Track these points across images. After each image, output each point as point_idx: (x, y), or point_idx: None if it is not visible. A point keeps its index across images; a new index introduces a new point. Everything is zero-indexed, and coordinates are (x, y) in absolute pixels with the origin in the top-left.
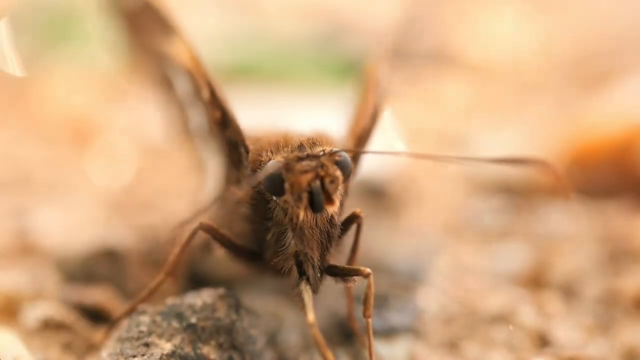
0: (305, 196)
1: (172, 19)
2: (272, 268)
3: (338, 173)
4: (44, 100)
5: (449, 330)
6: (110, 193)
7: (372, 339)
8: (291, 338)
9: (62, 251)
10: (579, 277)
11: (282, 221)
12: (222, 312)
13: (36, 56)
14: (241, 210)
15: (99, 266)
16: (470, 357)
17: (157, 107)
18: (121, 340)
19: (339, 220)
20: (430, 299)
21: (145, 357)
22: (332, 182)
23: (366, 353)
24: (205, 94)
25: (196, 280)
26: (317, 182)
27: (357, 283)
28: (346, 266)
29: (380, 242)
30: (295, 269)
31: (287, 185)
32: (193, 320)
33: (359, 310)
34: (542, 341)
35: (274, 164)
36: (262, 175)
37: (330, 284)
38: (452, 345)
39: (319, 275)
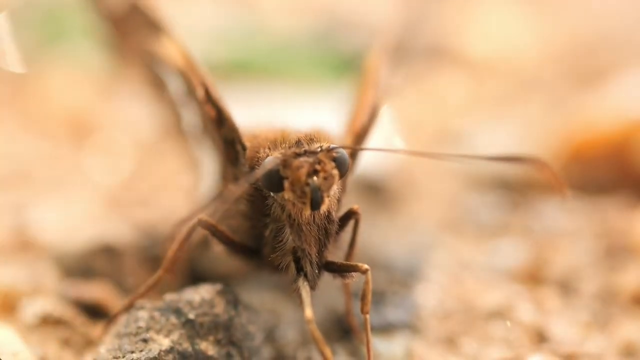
0: (308, 191)
1: (162, 19)
2: (270, 264)
3: (335, 169)
4: (41, 97)
5: (447, 326)
6: (108, 189)
7: (370, 335)
8: (289, 334)
9: (61, 247)
10: (576, 273)
11: (279, 217)
12: (220, 308)
13: (34, 53)
14: (239, 206)
15: (97, 262)
16: (468, 353)
17: (150, 108)
18: (119, 336)
19: (336, 216)
20: (428, 295)
21: (143, 352)
22: (326, 178)
23: (364, 349)
24: (200, 92)
25: (194, 276)
26: (316, 179)
27: (355, 279)
28: (344, 262)
29: (378, 238)
30: (293, 265)
31: (286, 183)
32: (191, 316)
33: (356, 307)
34: (540, 337)
35: (271, 160)
36: (259, 171)
37: (328, 280)
38: (450, 341)
39: (316, 271)
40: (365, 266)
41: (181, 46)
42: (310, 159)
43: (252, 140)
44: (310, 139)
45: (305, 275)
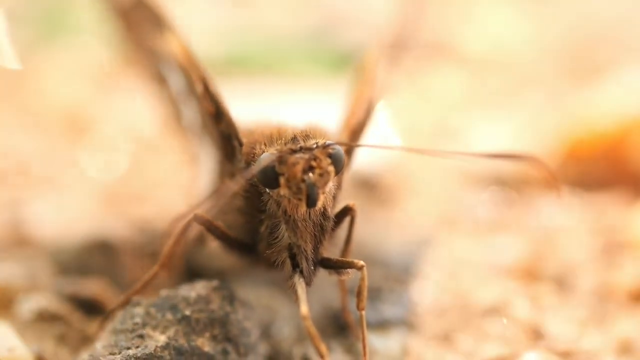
0: (303, 187)
1: (165, 14)
2: (265, 260)
3: (331, 166)
4: (38, 92)
5: (443, 323)
6: (104, 185)
7: (366, 331)
8: (285, 330)
9: (57, 243)
10: (572, 269)
11: (275, 214)
12: (216, 304)
13: (30, 48)
14: (235, 202)
15: (94, 258)
16: (464, 349)
17: (151, 102)
18: (115, 332)
19: (332, 212)
20: (424, 292)
21: (139, 348)
22: (321, 175)
23: (360, 345)
24: (199, 88)
25: (190, 273)
26: (312, 175)
27: (351, 276)
28: (340, 259)
29: (374, 234)
30: (288, 261)
31: (282, 179)
32: (187, 312)
33: (352, 303)
34: (536, 334)
35: (267, 156)
36: (255, 168)
37: (323, 277)
38: (446, 338)
39: (312, 267)
40: (361, 262)
41: (182, 42)
42: (306, 156)
43: (248, 136)
44: (306, 136)
45: (301, 272)
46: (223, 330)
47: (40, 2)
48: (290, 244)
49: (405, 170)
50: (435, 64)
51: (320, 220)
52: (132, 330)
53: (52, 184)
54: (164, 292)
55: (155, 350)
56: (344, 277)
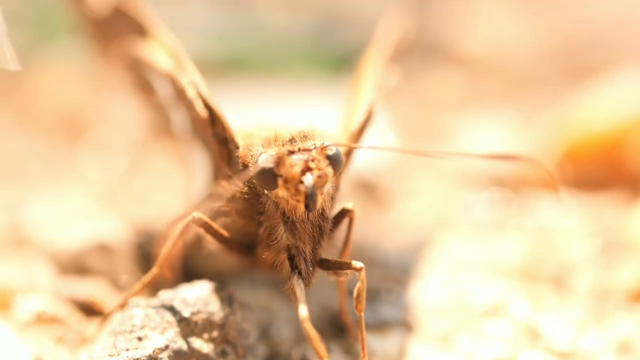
0: (302, 189)
1: (147, 20)
2: (264, 262)
3: (329, 167)
4: (36, 94)
5: (441, 324)
6: (102, 186)
7: (365, 332)
8: (284, 332)
9: (55, 244)
10: (571, 270)
11: (273, 215)
12: (215, 305)
13: (28, 50)
14: (233, 204)
15: (92, 259)
16: (463, 350)
17: (138, 112)
18: (114, 333)
19: (330, 214)
20: (423, 293)
21: (138, 350)
22: (320, 176)
23: (358, 347)
24: (190, 92)
25: (189, 274)
26: (310, 177)
27: (350, 277)
28: (338, 260)
29: (372, 235)
30: (287, 262)
31: (280, 180)
32: (186, 313)
33: (351, 304)
34: (535, 334)
35: (265, 157)
36: (253, 169)
37: (322, 278)
38: (445, 339)
39: (311, 269)
40: (360, 264)
41: (170, 46)
42: (304, 157)
43: (245, 138)
44: (304, 137)
45: (300, 273)
46: (222, 331)
47: (38, 3)
48: (288, 245)
49: (404, 172)
50: (433, 65)
51: (318, 221)
52: (131, 332)
53: (50, 185)
54: (162, 294)
55: (154, 351)
56: (342, 278)
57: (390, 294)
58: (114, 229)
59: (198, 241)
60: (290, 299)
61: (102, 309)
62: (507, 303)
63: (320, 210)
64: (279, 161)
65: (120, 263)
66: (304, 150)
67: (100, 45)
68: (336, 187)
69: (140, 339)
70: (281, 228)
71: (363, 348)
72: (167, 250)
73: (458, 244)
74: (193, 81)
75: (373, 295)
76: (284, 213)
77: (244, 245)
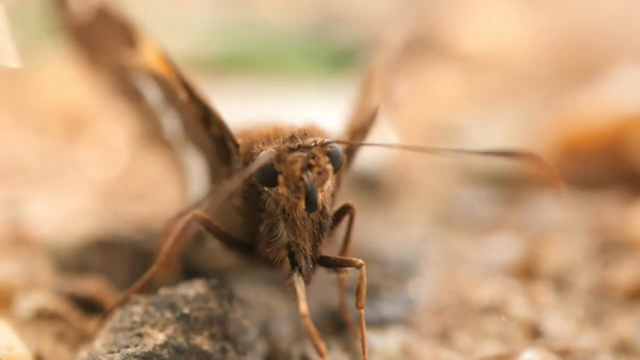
0: (302, 186)
1: (133, 24)
2: (264, 259)
3: (329, 164)
4: (36, 91)
5: (441, 321)
6: (102, 183)
7: (365, 329)
8: (283, 329)
9: (55, 241)
10: (570, 268)
11: (274, 212)
12: (214, 302)
13: (28, 47)
14: (233, 202)
15: (92, 257)
16: (462, 347)
17: (127, 120)
18: (114, 330)
19: (330, 211)
20: (422, 290)
21: (138, 347)
22: (320, 173)
23: (358, 344)
24: (183, 94)
25: (189, 271)
26: (310, 174)
27: (350, 274)
28: (338, 257)
29: (373, 233)
30: (287, 260)
31: (280, 177)
32: (186, 310)
33: (351, 301)
34: (534, 332)
35: (265, 154)
36: (254, 166)
37: (322, 275)
38: (444, 336)
39: (311, 266)
40: (360, 261)
41: (158, 49)
42: (305, 154)
43: (244, 136)
44: (304, 134)
45: (300, 270)
46: (222, 328)
47: (38, 1)
48: (289, 242)
49: (404, 169)
50: (433, 62)
51: (319, 218)
52: (131, 329)
53: (50, 182)
54: (162, 291)
55: (154, 348)
56: (342, 276)
57: (391, 291)
58: (114, 226)
59: (198, 238)
60: (291, 296)
61: (102, 305)
62: (507, 300)
63: (321, 207)
64: (279, 158)
65: (120, 260)
66: (305, 147)
67: (85, 53)
68: (337, 184)
69: (140, 335)
70: (281, 225)
71: (363, 345)
72: (167, 248)
73: (458, 241)
74: (185, 82)
75: (373, 292)
76: (284, 210)
77: (244, 242)
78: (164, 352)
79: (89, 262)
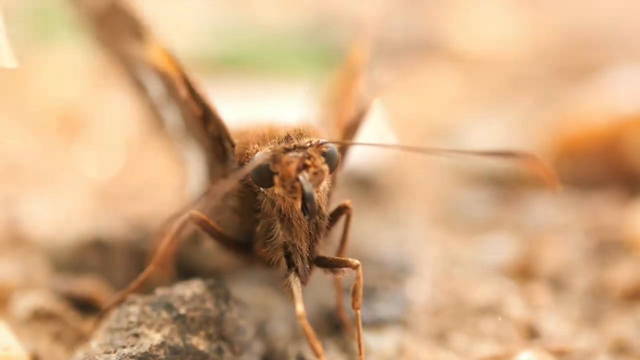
0: (298, 186)
1: (142, 19)
2: (261, 259)
3: (325, 164)
4: (33, 92)
5: (437, 322)
6: (99, 183)
7: (361, 330)
8: (280, 329)
9: (52, 242)
10: (567, 268)
11: (270, 213)
12: (211, 302)
13: (25, 47)
14: (230, 202)
15: (89, 257)
16: (459, 348)
17: (134, 109)
18: (111, 330)
19: (327, 211)
20: (419, 291)
21: (134, 347)
22: (316, 173)
23: (355, 344)
24: (183, 91)
25: (185, 271)
26: (306, 174)
27: (346, 274)
28: (335, 257)
29: (369, 233)
30: (284, 260)
31: (276, 178)
32: (182, 310)
33: (347, 302)
34: (531, 333)
35: (261, 155)
36: (249, 167)
37: (319, 276)
38: (441, 337)
39: (307, 266)
40: (356, 261)
41: (163, 45)
42: (300, 154)
43: (240, 136)
44: (300, 134)
45: (296, 271)
46: (218, 328)
47: (35, 1)
48: (285, 242)
49: (400, 169)
50: (430, 62)
51: (315, 218)
52: (128, 329)
53: (47, 182)
54: (159, 291)
55: (150, 348)
56: (339, 276)
57: (387, 292)
58: (111, 225)
59: (195, 238)
60: (287, 296)
61: (98, 305)
62: (503, 301)
63: (317, 208)
64: (275, 159)
65: (117, 260)
66: (300, 147)
67: (101, 40)
68: (332, 184)
69: (136, 335)
70: (278, 225)
71: (359, 346)
72: (164, 248)
73: (454, 242)
74: (187, 79)
75: (369, 292)
76: (280, 210)
77: (241, 242)
78: (160, 352)
79: (86, 262)
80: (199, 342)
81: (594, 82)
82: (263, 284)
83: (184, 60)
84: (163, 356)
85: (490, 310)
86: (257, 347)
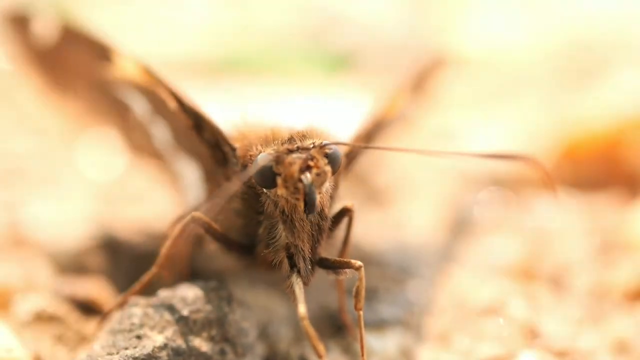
0: (301, 187)
1: (106, 40)
2: (263, 261)
3: (328, 166)
4: (34, 94)
5: (440, 323)
6: (102, 185)
7: (364, 331)
8: (282, 331)
9: (55, 244)
10: (568, 269)
11: (273, 214)
12: (214, 304)
13: None
14: (232, 204)
15: (91, 259)
16: (461, 349)
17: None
18: (113, 332)
19: (329, 212)
20: (421, 292)
21: (137, 349)
22: (318, 174)
23: (357, 346)
24: (173, 104)
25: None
26: (309, 175)
27: (349, 276)
28: (337, 259)
29: (371, 234)
30: (286, 261)
31: (279, 179)
32: (185, 312)
33: (350, 303)
34: (532, 334)
35: (264, 156)
36: (252, 168)
37: (321, 277)
38: (443, 338)
39: (310, 267)
40: (359, 263)
41: (140, 62)
42: (303, 155)
43: (241, 139)
44: (303, 136)
45: (299, 272)
46: (221, 330)
47: (36, 2)
48: (287, 244)
49: (403, 171)
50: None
51: (317, 220)
52: (130, 331)
53: (49, 184)
54: (161, 293)
55: (153, 350)
56: (341, 277)
57: (389, 293)
58: (113, 228)
59: (197, 241)
60: (289, 297)
61: (101, 307)
62: (505, 302)
63: (319, 209)
64: (278, 160)
65: (119, 262)
66: (303, 149)
67: (52, 78)
68: (335, 186)
69: (139, 337)
70: (280, 227)
71: (362, 347)
72: (166, 250)
73: (456, 243)
74: (173, 92)
75: (372, 294)
76: (283, 212)
77: (243, 244)
78: (163, 354)
79: (88, 264)
80: (202, 344)
81: (595, 84)
82: (265, 285)
83: (179, 65)
84: (166, 358)
85: (492, 311)
86: (260, 349)
